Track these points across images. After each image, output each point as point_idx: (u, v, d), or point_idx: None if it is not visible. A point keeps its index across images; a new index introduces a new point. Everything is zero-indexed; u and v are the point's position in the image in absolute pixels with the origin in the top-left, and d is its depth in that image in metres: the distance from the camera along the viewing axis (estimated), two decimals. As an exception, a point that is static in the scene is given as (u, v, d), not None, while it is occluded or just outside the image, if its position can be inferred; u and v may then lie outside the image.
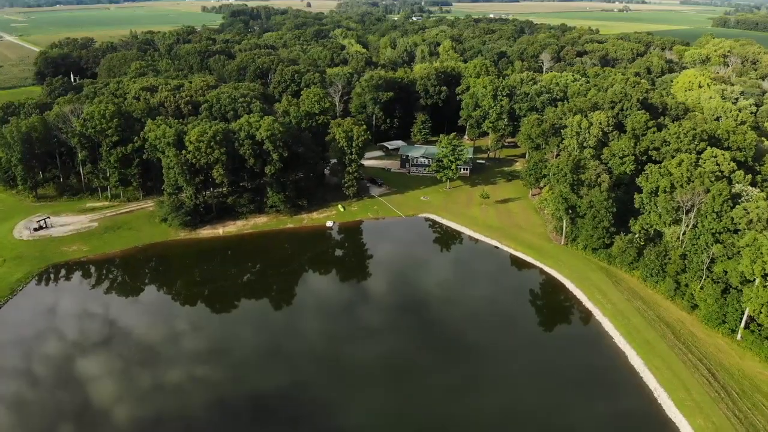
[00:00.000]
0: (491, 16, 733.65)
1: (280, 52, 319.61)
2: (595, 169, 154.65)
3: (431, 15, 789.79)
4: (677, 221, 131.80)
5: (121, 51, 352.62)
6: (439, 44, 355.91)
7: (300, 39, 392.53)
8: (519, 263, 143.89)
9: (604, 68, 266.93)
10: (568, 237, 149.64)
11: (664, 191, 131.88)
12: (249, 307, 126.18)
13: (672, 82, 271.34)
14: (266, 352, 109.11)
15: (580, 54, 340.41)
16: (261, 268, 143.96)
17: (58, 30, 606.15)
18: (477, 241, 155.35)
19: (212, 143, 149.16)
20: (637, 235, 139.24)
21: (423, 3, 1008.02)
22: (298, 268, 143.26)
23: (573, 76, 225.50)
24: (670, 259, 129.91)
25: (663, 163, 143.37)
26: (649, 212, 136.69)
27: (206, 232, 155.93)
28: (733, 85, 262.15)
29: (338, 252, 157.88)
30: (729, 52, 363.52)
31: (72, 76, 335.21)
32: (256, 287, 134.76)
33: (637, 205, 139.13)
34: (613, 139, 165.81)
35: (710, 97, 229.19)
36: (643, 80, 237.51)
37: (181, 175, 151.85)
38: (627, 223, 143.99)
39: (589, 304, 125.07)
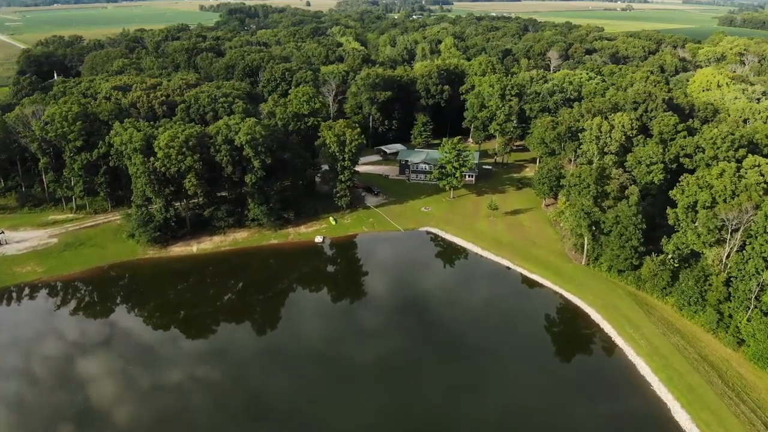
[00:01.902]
0: (493, 14, 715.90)
1: (272, 49, 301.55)
2: (618, 178, 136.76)
3: (432, 14, 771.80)
4: (720, 242, 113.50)
5: (107, 48, 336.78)
6: (440, 42, 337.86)
7: (295, 36, 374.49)
8: (535, 287, 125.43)
9: (620, 66, 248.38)
10: (590, 256, 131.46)
11: (705, 207, 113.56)
12: (222, 342, 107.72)
13: (687, 81, 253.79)
14: (241, 404, 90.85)
15: (589, 52, 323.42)
16: (237, 293, 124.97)
17: (51, 29, 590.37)
18: (485, 259, 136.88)
19: (184, 149, 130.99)
20: (670, 256, 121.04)
21: (423, 2, 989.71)
22: (279, 293, 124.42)
23: (587, 74, 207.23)
24: (711, 285, 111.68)
25: (697, 173, 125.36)
26: (685, 230, 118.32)
27: (178, 249, 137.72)
28: (752, 84, 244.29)
29: (327, 273, 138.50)
30: (745, 50, 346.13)
31: (56, 74, 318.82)
32: (231, 317, 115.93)
33: (671, 222, 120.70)
34: (637, 144, 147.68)
35: (735, 98, 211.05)
36: (660, 79, 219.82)
37: (148, 186, 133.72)
38: (654, 240, 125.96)
39: (619, 340, 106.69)
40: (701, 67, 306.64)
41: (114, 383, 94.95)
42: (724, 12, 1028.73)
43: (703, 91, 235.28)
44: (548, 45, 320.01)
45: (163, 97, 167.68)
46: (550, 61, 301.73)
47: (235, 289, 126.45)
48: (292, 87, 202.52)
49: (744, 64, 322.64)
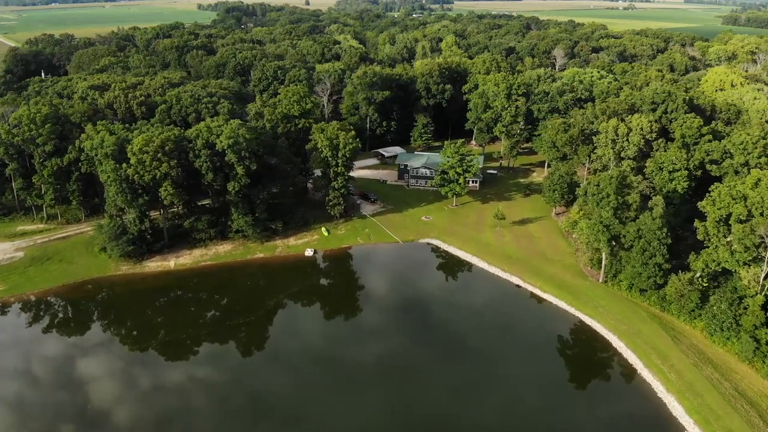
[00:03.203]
0: (494, 13, 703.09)
1: (267, 47, 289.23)
2: (637, 186, 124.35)
3: (432, 12, 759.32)
4: (757, 260, 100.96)
5: (98, 46, 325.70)
6: (441, 40, 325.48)
7: (291, 34, 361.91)
8: (548, 309, 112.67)
9: (632, 64, 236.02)
10: (608, 273, 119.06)
11: (739, 220, 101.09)
12: (199, 372, 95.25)
13: (699, 80, 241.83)
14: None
15: (595, 50, 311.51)
16: (216, 316, 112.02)
17: (46, 28, 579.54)
18: (493, 276, 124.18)
19: (159, 154, 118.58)
20: (698, 275, 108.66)
21: (424, 1, 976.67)
22: (263, 317, 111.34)
23: (598, 72, 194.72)
24: (746, 309, 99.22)
25: (726, 181, 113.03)
26: (716, 246, 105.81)
27: (154, 264, 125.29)
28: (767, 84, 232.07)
29: (317, 292, 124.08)
30: (757, 48, 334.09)
31: (42, 73, 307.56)
32: (209, 344, 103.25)
33: (700, 237, 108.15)
34: (657, 149, 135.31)
35: (755, 98, 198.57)
36: (676, 78, 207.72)
37: (120, 195, 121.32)
38: (677, 254, 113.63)
39: (645, 373, 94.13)
40: (711, 66, 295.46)
41: (76, 421, 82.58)
42: (726, 11, 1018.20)
43: (717, 90, 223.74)
44: (553, 43, 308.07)
45: (143, 97, 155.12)
46: (555, 59, 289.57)
47: (214, 312, 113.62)
48: (287, 86, 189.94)
49: (756, 62, 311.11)
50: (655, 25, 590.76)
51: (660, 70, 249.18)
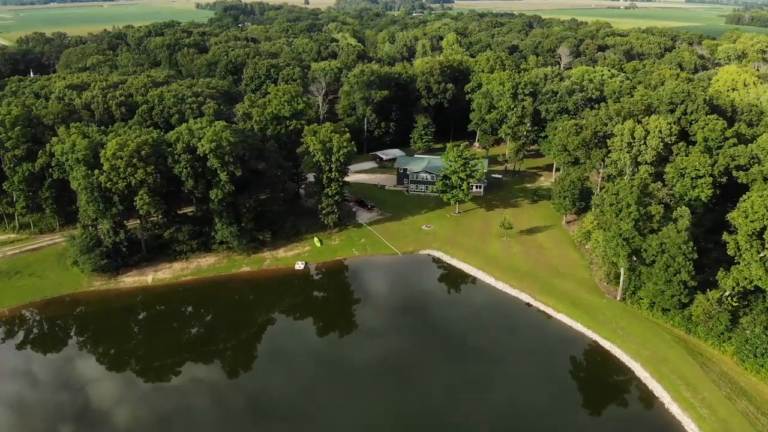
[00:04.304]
0: (495, 12, 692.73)
1: (262, 45, 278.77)
2: (657, 193, 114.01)
3: (432, 11, 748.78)
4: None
5: (87, 45, 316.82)
6: (442, 38, 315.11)
7: (288, 32, 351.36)
8: (563, 332, 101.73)
9: (643, 62, 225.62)
10: (627, 289, 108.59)
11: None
12: (175, 402, 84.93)
13: (710, 80, 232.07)
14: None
15: (601, 48, 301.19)
16: (194, 339, 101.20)
17: (43, 27, 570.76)
18: (500, 293, 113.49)
19: (135, 160, 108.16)
20: (728, 294, 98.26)
21: (424, 0, 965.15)
22: (246, 341, 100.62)
23: (609, 70, 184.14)
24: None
25: (755, 189, 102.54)
26: (749, 262, 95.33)
27: (130, 279, 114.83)
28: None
29: (306, 310, 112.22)
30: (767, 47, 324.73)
31: (31, 72, 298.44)
32: (186, 372, 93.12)
33: (730, 252, 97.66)
34: (677, 153, 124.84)
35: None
36: (692, 77, 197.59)
37: (92, 204, 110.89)
38: (700, 268, 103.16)
39: (674, 408, 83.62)
40: (720, 65, 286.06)
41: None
42: (728, 10, 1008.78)
43: (730, 90, 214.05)
44: (558, 41, 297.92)
45: (123, 97, 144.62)
46: (560, 58, 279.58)
47: (193, 334, 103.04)
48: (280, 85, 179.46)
49: (766, 61, 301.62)
50: (658, 24, 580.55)
51: (674, 68, 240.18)
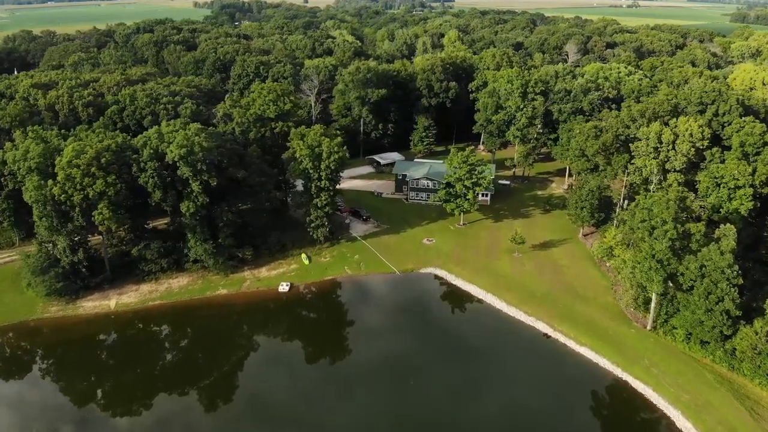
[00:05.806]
0: (497, 10, 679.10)
1: (254, 42, 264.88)
2: (691, 203, 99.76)
3: (433, 9, 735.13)
4: None
5: (70, 42, 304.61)
6: (443, 35, 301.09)
7: (283, 29, 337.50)
8: (587, 370, 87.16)
9: (661, 59, 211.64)
10: (659, 316, 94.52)
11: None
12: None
13: (725, 78, 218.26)
14: None
15: (609, 45, 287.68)
16: (160, 377, 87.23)
17: (38, 26, 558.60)
18: (513, 320, 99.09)
19: (93, 169, 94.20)
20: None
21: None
22: (219, 380, 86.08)
23: (626, 68, 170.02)
24: None
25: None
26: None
27: (91, 304, 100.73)
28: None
29: (290, 343, 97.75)
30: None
31: (15, 71, 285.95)
32: (150, 416, 79.21)
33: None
34: (710, 159, 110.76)
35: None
36: (717, 74, 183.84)
37: (45, 219, 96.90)
38: (740, 291, 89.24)
39: (727, 470, 69.81)
40: (734, 63, 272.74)
41: None
42: (731, 9, 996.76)
43: (748, 89, 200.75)
44: (565, 38, 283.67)
45: (91, 97, 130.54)
46: (567, 55, 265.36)
47: (159, 372, 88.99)
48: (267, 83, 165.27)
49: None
50: (663, 23, 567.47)
51: (695, 64, 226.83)
